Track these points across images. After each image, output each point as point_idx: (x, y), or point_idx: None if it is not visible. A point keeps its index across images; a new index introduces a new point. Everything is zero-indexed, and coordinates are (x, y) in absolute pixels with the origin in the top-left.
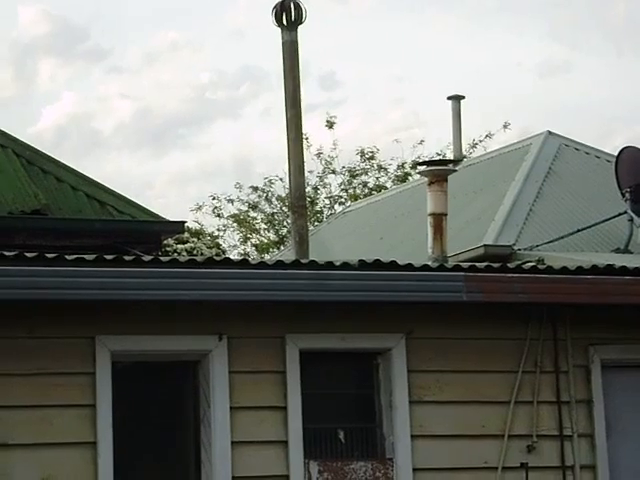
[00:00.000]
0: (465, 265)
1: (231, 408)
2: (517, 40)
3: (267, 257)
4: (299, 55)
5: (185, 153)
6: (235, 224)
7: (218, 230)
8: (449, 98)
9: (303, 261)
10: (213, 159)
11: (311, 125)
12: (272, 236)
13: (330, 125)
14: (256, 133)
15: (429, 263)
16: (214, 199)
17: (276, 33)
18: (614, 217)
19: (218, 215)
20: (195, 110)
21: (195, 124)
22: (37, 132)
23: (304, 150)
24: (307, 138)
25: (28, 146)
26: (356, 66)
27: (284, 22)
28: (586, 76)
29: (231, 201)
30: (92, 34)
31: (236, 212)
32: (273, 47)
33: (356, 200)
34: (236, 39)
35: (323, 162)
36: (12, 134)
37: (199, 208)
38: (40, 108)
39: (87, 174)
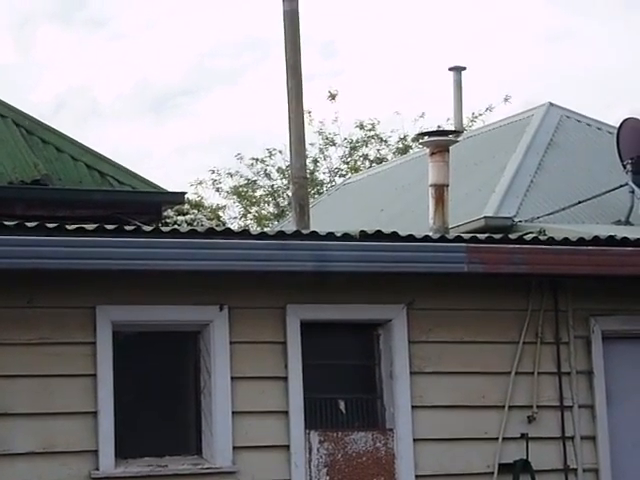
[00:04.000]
0: (466, 236)
1: (232, 378)
2: (519, 8)
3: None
4: (300, 25)
5: (184, 122)
6: (235, 196)
7: (219, 208)
8: (450, 69)
9: (304, 232)
10: (212, 129)
11: (311, 95)
12: (272, 209)
13: (332, 97)
14: (256, 103)
15: (430, 234)
16: (213, 173)
17: (277, 1)
18: (615, 189)
19: (217, 189)
20: (194, 79)
21: (194, 93)
22: (35, 101)
23: (306, 125)
24: (310, 112)
25: (28, 116)
26: (357, 36)
27: None
28: (590, 45)
29: (230, 175)
30: (91, 1)
31: (236, 184)
32: (274, 16)
33: (357, 172)
34: (237, 7)
35: (324, 139)
36: (11, 103)
37: (200, 183)
38: (39, 77)
39: (86, 144)
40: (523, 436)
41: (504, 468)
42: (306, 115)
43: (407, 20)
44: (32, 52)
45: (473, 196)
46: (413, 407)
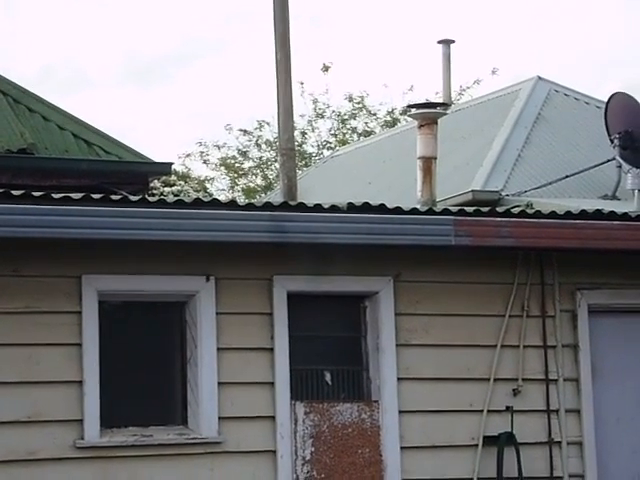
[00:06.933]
0: (454, 209)
1: (218, 349)
2: None
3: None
4: None
5: (172, 92)
6: (223, 168)
7: (207, 179)
8: (439, 42)
9: (291, 203)
10: (201, 99)
11: (301, 67)
12: (260, 181)
13: (326, 69)
14: (246, 73)
15: (418, 207)
16: (201, 145)
17: None
18: (602, 163)
19: (205, 162)
20: (183, 48)
21: (182, 62)
22: (21, 69)
23: (298, 97)
24: (302, 83)
25: (14, 84)
26: (345, 8)
27: None
28: (583, 20)
29: (218, 147)
30: None
31: (224, 156)
32: None
33: (345, 145)
34: None
35: (316, 110)
36: None
37: (187, 156)
38: (24, 45)
39: (73, 113)
40: (508, 409)
41: (489, 440)
42: (298, 86)
43: None
44: (17, 20)
45: (461, 169)
46: (399, 379)
